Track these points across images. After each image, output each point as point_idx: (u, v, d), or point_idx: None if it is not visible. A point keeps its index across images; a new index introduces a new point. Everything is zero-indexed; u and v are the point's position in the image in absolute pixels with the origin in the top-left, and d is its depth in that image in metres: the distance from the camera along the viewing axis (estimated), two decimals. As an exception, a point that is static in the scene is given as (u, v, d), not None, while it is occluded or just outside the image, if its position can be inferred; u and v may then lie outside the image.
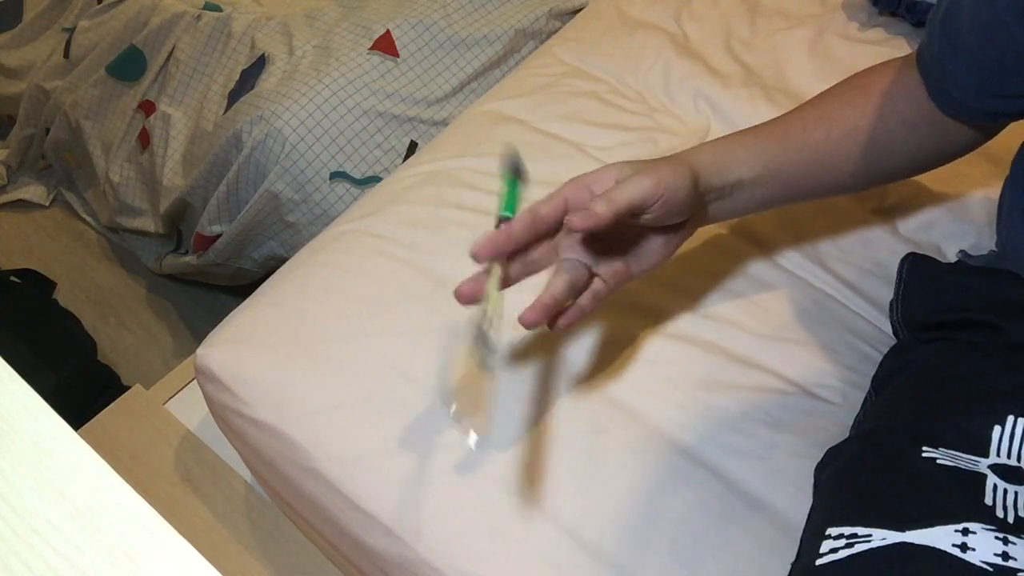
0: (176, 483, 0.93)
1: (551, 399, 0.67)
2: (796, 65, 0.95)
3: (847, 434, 0.65)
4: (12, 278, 1.46)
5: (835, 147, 0.61)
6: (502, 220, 0.53)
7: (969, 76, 0.56)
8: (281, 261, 0.86)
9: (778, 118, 0.63)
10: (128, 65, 1.32)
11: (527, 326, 0.52)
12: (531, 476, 0.63)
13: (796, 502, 0.62)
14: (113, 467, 0.32)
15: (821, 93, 0.64)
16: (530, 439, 0.65)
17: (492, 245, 0.50)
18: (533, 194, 0.57)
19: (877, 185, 0.66)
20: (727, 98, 0.92)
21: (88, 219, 1.62)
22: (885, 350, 0.69)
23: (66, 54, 1.41)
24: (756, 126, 0.63)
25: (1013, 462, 0.48)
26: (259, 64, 1.16)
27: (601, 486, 0.62)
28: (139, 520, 0.31)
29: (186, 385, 1.02)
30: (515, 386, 0.67)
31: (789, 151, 0.61)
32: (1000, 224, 0.64)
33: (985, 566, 0.41)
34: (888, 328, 0.72)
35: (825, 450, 0.58)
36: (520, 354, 0.69)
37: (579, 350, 0.70)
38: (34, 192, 1.66)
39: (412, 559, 0.62)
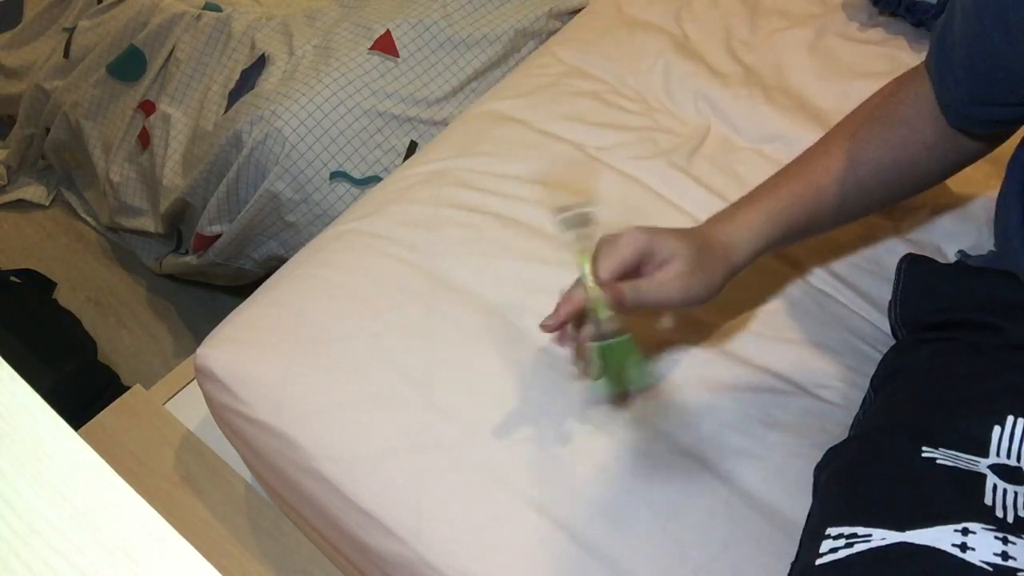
0: (176, 483, 0.93)
1: (551, 399, 0.67)
2: (796, 65, 0.95)
3: (847, 434, 0.65)
4: (12, 278, 1.46)
5: (863, 187, 0.62)
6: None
7: (964, 87, 0.57)
8: (281, 261, 0.86)
9: (804, 167, 0.63)
10: (128, 65, 1.31)
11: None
12: (532, 476, 0.63)
13: (796, 502, 0.62)
14: (113, 467, 0.32)
15: (841, 130, 0.64)
16: (531, 439, 0.65)
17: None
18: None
19: (899, 203, 0.69)
20: (727, 98, 0.92)
21: (88, 219, 1.62)
22: (885, 350, 0.69)
23: (66, 54, 1.41)
24: (784, 182, 0.62)
25: (1013, 462, 0.48)
26: (259, 64, 1.16)
27: (601, 486, 0.62)
28: (139, 520, 0.31)
29: (186, 385, 1.02)
30: (515, 386, 0.67)
31: (821, 209, 0.62)
32: (997, 227, 0.64)
33: (985, 566, 0.41)
34: (888, 328, 0.72)
35: (825, 450, 0.58)
36: (520, 354, 0.69)
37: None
38: (34, 192, 1.65)
39: (412, 559, 0.62)
